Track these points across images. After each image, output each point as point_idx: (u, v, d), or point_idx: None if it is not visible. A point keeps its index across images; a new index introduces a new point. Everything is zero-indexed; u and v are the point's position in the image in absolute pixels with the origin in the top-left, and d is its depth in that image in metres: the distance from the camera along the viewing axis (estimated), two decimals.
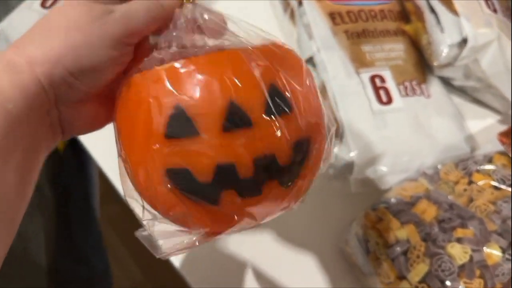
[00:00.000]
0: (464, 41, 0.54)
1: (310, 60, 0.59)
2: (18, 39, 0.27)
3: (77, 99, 0.29)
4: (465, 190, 0.52)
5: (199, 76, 0.27)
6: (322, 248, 0.54)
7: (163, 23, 0.30)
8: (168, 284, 1.25)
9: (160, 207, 0.30)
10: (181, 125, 0.26)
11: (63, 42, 0.27)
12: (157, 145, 0.27)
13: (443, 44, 0.55)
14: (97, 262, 0.79)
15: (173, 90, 0.27)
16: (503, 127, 0.64)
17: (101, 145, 0.60)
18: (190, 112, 0.26)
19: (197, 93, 0.26)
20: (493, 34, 0.54)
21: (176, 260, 0.53)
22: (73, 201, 0.81)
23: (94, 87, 0.29)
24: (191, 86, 0.27)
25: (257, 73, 0.27)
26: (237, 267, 0.53)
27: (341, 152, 0.53)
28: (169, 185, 0.27)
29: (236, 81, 0.27)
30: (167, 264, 0.52)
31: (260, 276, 0.53)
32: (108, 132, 0.56)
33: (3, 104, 0.25)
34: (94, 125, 0.32)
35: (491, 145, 0.56)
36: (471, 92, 0.63)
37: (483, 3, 0.57)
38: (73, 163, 0.85)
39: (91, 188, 0.83)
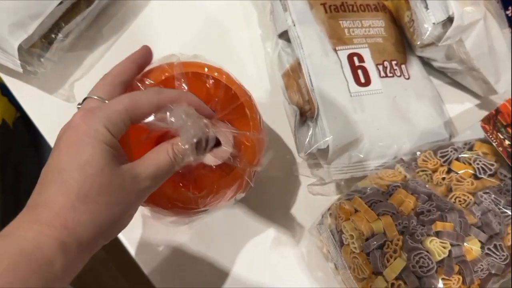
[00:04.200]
0: (449, 20, 0.50)
1: (285, 35, 0.55)
2: (62, 211, 0.28)
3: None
4: (443, 179, 0.49)
5: None
6: (293, 237, 0.51)
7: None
8: (130, 263, 1.22)
9: None
10: None
11: (106, 220, 0.30)
12: None
13: (427, 22, 0.51)
14: None
15: None
16: (481, 112, 0.62)
17: (50, 120, 0.54)
18: None
19: None
20: (479, 13, 0.51)
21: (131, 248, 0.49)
22: (25, 180, 0.75)
23: None
24: None
25: None
26: (208, 256, 0.49)
27: (315, 137, 0.49)
28: None
29: None
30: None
31: (224, 261, 0.49)
32: (56, 106, 0.49)
33: (51, 285, 0.27)
34: None
35: (471, 131, 0.53)
36: (451, 75, 0.60)
37: None
38: (24, 139, 0.78)
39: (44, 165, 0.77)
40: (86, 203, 0.29)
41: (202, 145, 0.34)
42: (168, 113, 0.33)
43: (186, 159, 0.34)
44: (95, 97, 0.33)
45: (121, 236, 0.49)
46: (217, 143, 0.37)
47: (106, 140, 0.30)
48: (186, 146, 0.33)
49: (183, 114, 0.33)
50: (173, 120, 0.33)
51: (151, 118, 0.33)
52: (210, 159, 0.42)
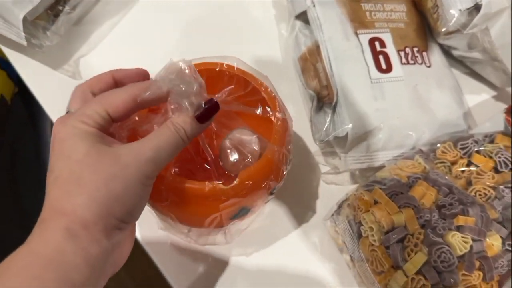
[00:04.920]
0: (475, 7, 0.49)
1: (302, 15, 0.52)
2: (59, 202, 0.28)
3: (125, 237, 0.33)
4: (463, 171, 0.48)
5: None
6: (307, 227, 0.49)
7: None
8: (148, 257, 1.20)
9: None
10: None
11: (106, 195, 0.28)
12: None
13: (453, 8, 0.49)
14: None
15: None
16: (498, 104, 0.60)
17: (53, 97, 0.51)
18: None
19: None
20: (507, 1, 0.49)
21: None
22: (22, 159, 0.73)
23: (137, 218, 0.32)
24: None
25: None
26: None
27: (333, 124, 0.48)
28: None
29: None
30: None
31: (238, 251, 0.48)
32: (60, 83, 0.52)
33: (70, 275, 0.26)
34: (128, 252, 0.35)
35: (490, 123, 0.52)
36: (470, 64, 0.58)
37: None
38: (22, 115, 0.75)
39: (43, 144, 0.75)
40: (80, 185, 0.28)
41: (201, 109, 0.33)
42: (156, 80, 0.32)
43: (191, 131, 0.32)
44: (72, 111, 0.33)
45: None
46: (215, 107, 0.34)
47: (84, 131, 0.30)
48: (186, 115, 0.32)
49: (172, 75, 0.32)
50: (161, 84, 0.31)
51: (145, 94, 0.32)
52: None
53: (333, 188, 0.51)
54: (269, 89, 0.42)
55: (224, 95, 0.37)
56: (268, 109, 0.40)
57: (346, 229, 0.45)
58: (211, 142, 0.40)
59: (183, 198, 0.36)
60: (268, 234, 0.49)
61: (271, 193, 0.40)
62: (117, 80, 0.35)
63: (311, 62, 0.52)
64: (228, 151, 0.41)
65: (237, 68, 0.41)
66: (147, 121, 0.35)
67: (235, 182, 0.36)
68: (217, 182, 0.36)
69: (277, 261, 0.48)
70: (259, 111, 0.40)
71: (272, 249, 0.48)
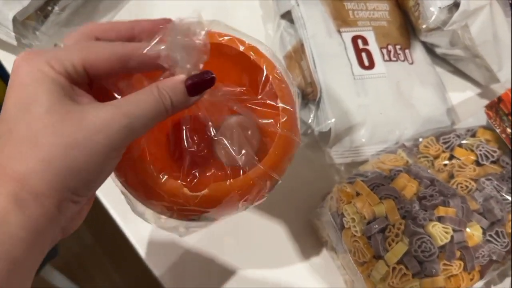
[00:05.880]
0: (455, 5, 0.50)
1: (287, 15, 0.54)
2: (11, 162, 0.24)
3: (80, 209, 0.28)
4: (445, 165, 0.48)
5: None
6: (292, 222, 0.50)
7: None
8: (118, 248, 1.21)
9: None
10: None
11: (64, 165, 0.24)
12: None
13: (433, 6, 0.50)
14: None
15: None
16: (483, 101, 0.61)
17: None
18: None
19: None
20: None
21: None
22: None
23: (95, 191, 0.28)
24: None
25: None
26: (203, 234, 0.48)
27: (317, 120, 0.48)
28: None
29: None
30: (117, 228, 0.48)
31: (225, 249, 0.48)
32: None
33: (11, 249, 0.23)
34: (81, 221, 0.31)
35: (473, 119, 0.53)
36: (454, 62, 0.59)
37: None
38: None
39: None
40: (36, 147, 0.24)
41: (195, 77, 0.28)
42: (157, 37, 0.27)
43: (177, 101, 0.28)
44: (61, 45, 0.28)
45: (119, 221, 0.48)
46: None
47: (51, 79, 0.25)
48: (176, 80, 0.27)
49: (175, 37, 0.27)
50: (162, 46, 0.27)
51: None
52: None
53: (318, 182, 0.52)
54: (290, 96, 0.35)
55: (231, 89, 0.33)
56: (275, 126, 0.34)
57: (330, 221, 0.45)
58: (192, 133, 0.35)
59: (138, 182, 0.31)
60: (249, 231, 0.49)
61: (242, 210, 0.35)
62: (136, 34, 0.29)
63: (296, 60, 0.53)
64: (229, 137, 0.35)
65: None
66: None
67: (202, 192, 0.31)
68: (182, 183, 0.31)
69: (262, 256, 0.48)
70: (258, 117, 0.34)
71: (255, 243, 0.49)
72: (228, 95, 0.33)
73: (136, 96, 0.27)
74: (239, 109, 0.34)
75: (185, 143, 0.34)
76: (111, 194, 0.48)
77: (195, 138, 0.35)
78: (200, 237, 0.48)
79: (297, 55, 0.52)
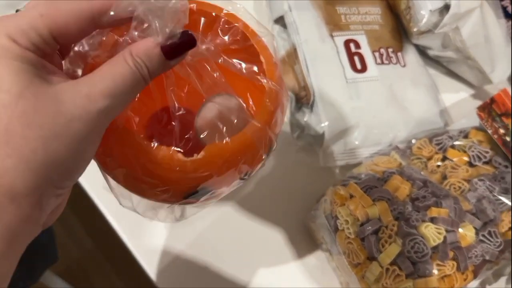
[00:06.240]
0: (446, 7, 0.50)
1: (281, 20, 0.54)
2: None
3: (60, 201, 0.26)
4: (438, 166, 0.49)
5: None
6: (287, 224, 0.50)
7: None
8: (118, 253, 1.21)
9: None
10: None
11: (44, 159, 0.21)
12: None
13: (424, 9, 0.51)
14: None
15: None
16: (476, 102, 0.62)
17: None
18: None
19: None
20: (476, 1, 0.51)
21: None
22: None
23: (78, 178, 0.25)
24: None
25: None
26: (200, 239, 0.49)
27: (311, 123, 0.49)
28: None
29: None
30: (115, 234, 0.49)
31: (221, 252, 0.48)
32: None
33: None
34: (59, 213, 0.28)
35: (466, 120, 0.54)
36: (446, 64, 0.60)
37: None
38: None
39: None
40: (10, 142, 0.21)
41: (174, 40, 0.25)
42: None
43: (153, 67, 0.25)
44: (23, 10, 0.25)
45: (117, 227, 0.49)
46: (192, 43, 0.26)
47: (15, 55, 0.21)
48: (151, 44, 0.24)
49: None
50: (134, 2, 0.24)
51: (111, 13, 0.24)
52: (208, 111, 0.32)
53: (313, 184, 0.52)
54: (270, 52, 0.33)
55: (213, 42, 0.30)
56: (262, 79, 0.32)
57: (324, 224, 0.46)
58: (179, 95, 0.32)
59: (128, 157, 0.28)
60: (247, 231, 0.50)
61: (242, 179, 0.32)
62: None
63: (289, 64, 0.53)
64: (208, 116, 0.33)
65: (240, 20, 0.33)
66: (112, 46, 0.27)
67: (198, 155, 0.28)
68: (175, 149, 0.28)
69: (258, 259, 0.49)
70: (245, 68, 0.32)
71: (251, 246, 0.49)
72: (212, 50, 0.31)
73: (110, 69, 0.24)
74: (224, 63, 0.32)
75: (172, 108, 0.31)
76: (103, 195, 0.48)
77: (183, 95, 0.33)
78: (196, 241, 0.48)
79: (291, 59, 0.53)
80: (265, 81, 0.31)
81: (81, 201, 0.51)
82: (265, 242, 0.50)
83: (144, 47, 0.24)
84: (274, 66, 0.33)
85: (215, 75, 0.32)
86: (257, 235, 0.50)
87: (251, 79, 0.32)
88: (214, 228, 0.50)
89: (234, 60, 0.32)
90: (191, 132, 0.33)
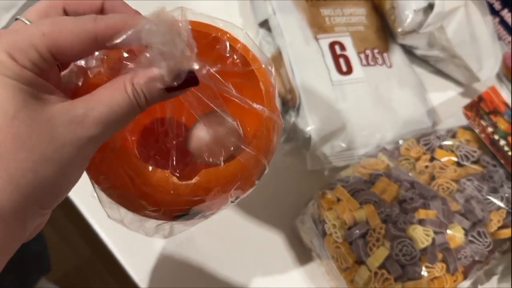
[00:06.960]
0: (430, 7, 0.50)
1: (265, 24, 0.54)
2: None
3: (44, 219, 0.26)
4: (426, 167, 0.49)
5: None
6: (277, 229, 0.50)
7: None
8: (116, 260, 1.21)
9: None
10: None
11: (33, 182, 0.22)
12: None
13: (408, 9, 0.50)
14: (31, 242, 0.71)
15: None
16: (465, 100, 0.61)
17: None
18: None
19: None
20: (460, 0, 0.50)
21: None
22: None
23: (63, 199, 0.25)
24: None
25: None
26: (189, 243, 0.48)
27: (297, 126, 0.49)
28: None
29: None
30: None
31: (210, 256, 0.48)
32: None
33: None
34: (41, 228, 0.29)
35: (454, 119, 0.53)
36: (434, 63, 0.60)
37: None
38: None
39: None
40: (1, 163, 0.21)
41: (179, 79, 0.25)
42: (143, 24, 0.23)
43: (152, 99, 0.25)
44: (23, 20, 0.24)
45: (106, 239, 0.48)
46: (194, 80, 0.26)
47: (12, 74, 0.21)
48: (153, 77, 0.24)
49: (159, 27, 0.24)
50: (142, 36, 0.23)
51: (119, 40, 0.23)
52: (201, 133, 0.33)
53: (303, 189, 0.52)
54: (270, 79, 0.34)
55: (214, 68, 0.31)
56: (258, 106, 0.32)
57: (312, 228, 0.45)
58: (179, 119, 0.33)
59: (123, 178, 0.28)
60: (236, 235, 0.50)
61: (232, 202, 0.33)
62: (106, 8, 0.26)
63: (275, 67, 0.53)
64: (201, 136, 0.34)
65: (241, 44, 0.33)
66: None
67: (193, 180, 0.29)
68: (170, 171, 0.29)
69: (247, 264, 0.48)
70: (263, 109, 0.32)
71: (240, 251, 0.49)
72: (212, 74, 0.31)
73: (108, 95, 0.24)
74: (223, 87, 0.32)
75: (170, 134, 0.32)
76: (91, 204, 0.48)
77: (183, 120, 0.34)
78: (185, 245, 0.48)
79: (276, 63, 0.52)
80: (262, 108, 0.32)
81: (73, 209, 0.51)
82: (254, 247, 0.49)
83: (146, 78, 0.24)
84: (272, 94, 0.33)
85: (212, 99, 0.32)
86: (246, 240, 0.50)
87: (248, 107, 0.32)
88: (203, 232, 0.49)
89: (231, 86, 0.32)
90: (188, 157, 0.34)
